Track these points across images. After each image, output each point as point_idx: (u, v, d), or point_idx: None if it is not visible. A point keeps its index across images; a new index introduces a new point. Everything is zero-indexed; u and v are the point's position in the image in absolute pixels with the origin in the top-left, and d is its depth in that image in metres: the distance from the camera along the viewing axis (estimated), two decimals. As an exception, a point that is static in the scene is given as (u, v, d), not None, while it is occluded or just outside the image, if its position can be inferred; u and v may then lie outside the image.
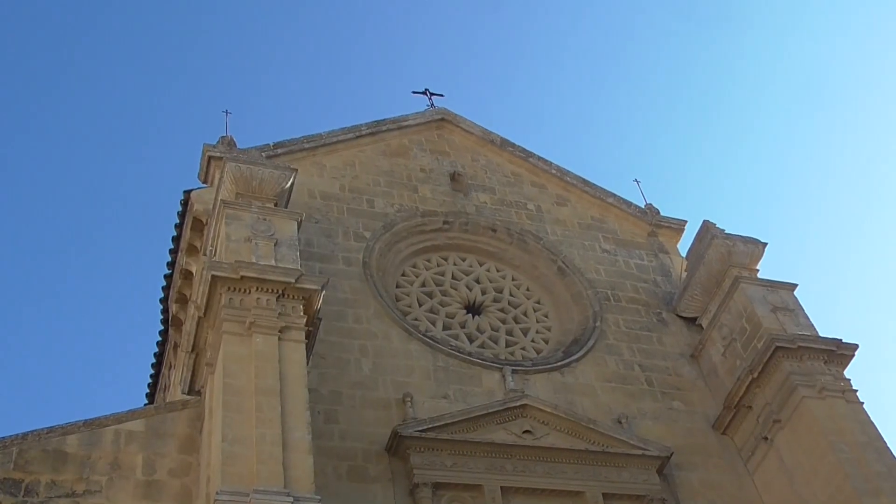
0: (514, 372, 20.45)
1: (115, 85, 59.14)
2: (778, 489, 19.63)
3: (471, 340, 21.77)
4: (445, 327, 21.89)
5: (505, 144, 27.14)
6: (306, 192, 22.90)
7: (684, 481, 19.77)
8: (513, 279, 23.85)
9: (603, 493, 18.59)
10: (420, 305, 22.18)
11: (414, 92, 28.48)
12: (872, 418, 19.47)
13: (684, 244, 25.76)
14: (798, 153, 58.78)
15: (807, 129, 58.51)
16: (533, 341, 22.38)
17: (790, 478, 19.39)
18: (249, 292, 16.91)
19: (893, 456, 18.76)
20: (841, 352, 20.40)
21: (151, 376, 25.77)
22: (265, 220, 18.50)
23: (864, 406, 19.67)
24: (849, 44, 57.42)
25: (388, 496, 17.39)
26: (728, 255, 22.59)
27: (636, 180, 28.17)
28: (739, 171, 59.86)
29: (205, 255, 20.15)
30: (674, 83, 61.58)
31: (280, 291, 17.06)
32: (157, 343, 24.58)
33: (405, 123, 26.48)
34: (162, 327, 23.96)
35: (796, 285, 22.25)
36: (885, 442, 19.00)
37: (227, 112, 24.29)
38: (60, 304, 55.76)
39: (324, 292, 17.58)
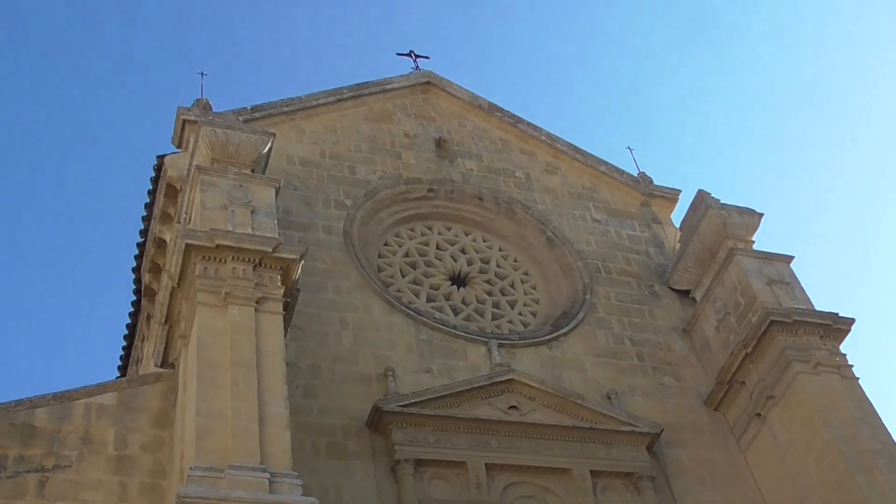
0: (500, 346, 20.61)
1: (86, 44, 58.90)
2: (770, 466, 19.89)
3: (455, 313, 21.90)
4: (429, 299, 22.01)
5: (493, 109, 27.17)
6: (285, 157, 22.93)
7: (674, 459, 20.01)
8: (500, 250, 23.97)
9: (591, 471, 18.79)
10: (403, 276, 22.29)
11: (398, 54, 28.54)
12: (868, 394, 19.73)
13: (678, 214, 25.91)
14: (796, 122, 58.96)
15: (804, 97, 58.65)
16: (520, 314, 22.52)
17: (783, 455, 19.64)
18: (225, 262, 16.96)
19: (888, 433, 19.00)
20: (837, 326, 20.60)
21: (124, 349, 25.80)
22: (242, 186, 18.50)
23: (860, 382, 19.92)
24: (851, 5, 57.43)
25: (368, 473, 17.54)
26: (723, 226, 22.72)
27: (629, 148, 28.17)
28: (736, 139, 60.00)
29: (179, 222, 20.20)
30: (668, 47, 61.62)
31: (257, 261, 17.10)
32: (130, 314, 24.62)
33: (389, 87, 26.47)
34: (134, 298, 24.00)
35: (793, 258, 22.44)
36: (879, 418, 19.23)
37: (202, 74, 24.34)
38: (29, 274, 55.76)
39: (302, 262, 17.64)
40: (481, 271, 23.24)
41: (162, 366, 18.21)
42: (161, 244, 21.97)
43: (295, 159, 23.20)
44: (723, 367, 21.12)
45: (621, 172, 26.88)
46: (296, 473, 14.59)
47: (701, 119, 60.88)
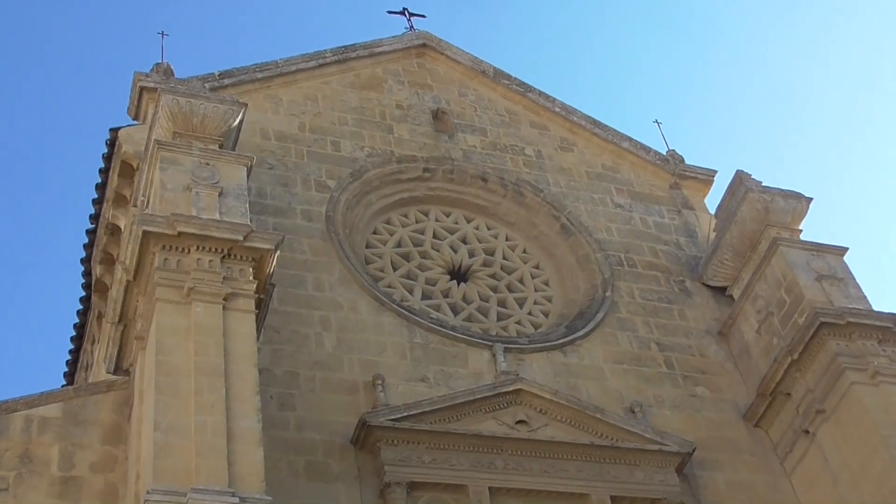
0: (506, 350, 20.57)
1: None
2: (820, 492, 19.84)
3: (455, 312, 21.90)
4: (425, 296, 22.01)
5: (499, 76, 27.22)
6: (258, 131, 22.98)
7: (708, 482, 19.98)
8: (507, 239, 24.00)
9: (611, 496, 18.80)
10: (395, 270, 22.29)
11: (390, 12, 28.59)
12: (935, 409, 19.69)
13: (713, 199, 25.96)
14: (849, 95, 58.79)
15: (853, 67, 58.48)
16: (530, 314, 22.51)
17: (835, 479, 19.59)
18: (188, 252, 16.96)
19: (959, 454, 18.99)
20: (898, 329, 20.57)
21: (71, 352, 25.85)
22: (208, 164, 18.53)
23: (926, 395, 19.88)
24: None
25: (353, 497, 17.50)
26: (765, 213, 22.70)
27: (656, 121, 28.33)
28: (780, 112, 59.92)
29: (135, 206, 20.18)
30: (700, 7, 61.49)
31: (225, 251, 17.11)
32: (78, 312, 24.64)
33: (379, 50, 26.55)
34: (83, 293, 23.99)
35: (846, 249, 22.42)
36: (949, 437, 19.22)
37: (162, 34, 24.33)
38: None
39: (278, 253, 17.64)
40: (485, 264, 23.25)
41: (115, 372, 18.20)
42: (114, 231, 21.95)
43: (270, 133, 23.24)
44: (765, 376, 21.09)
45: (647, 150, 26.92)
46: (269, 498, 14.54)
47: (739, 89, 60.77)
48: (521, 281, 23.21)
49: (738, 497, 19.98)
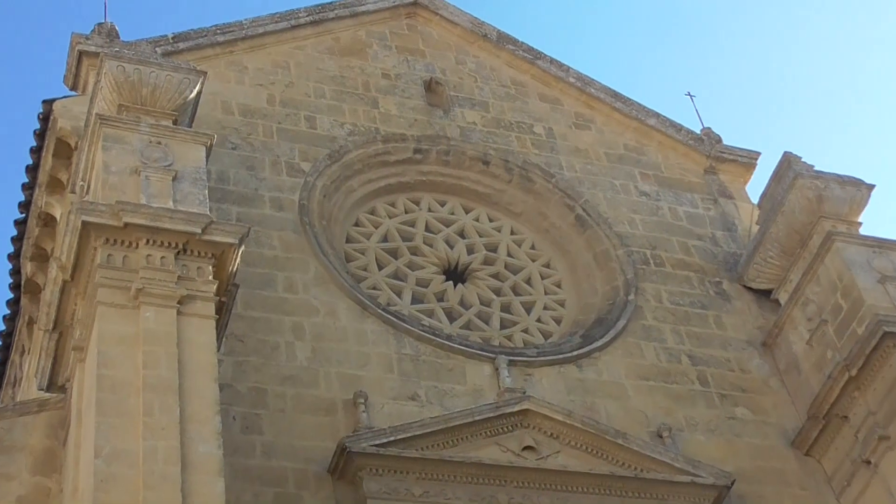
0: (511, 364, 20.59)
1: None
2: (883, 532, 19.86)
3: (451, 319, 21.96)
4: (416, 300, 22.05)
5: (503, 41, 27.31)
6: (220, 104, 23.06)
7: (750, 520, 19.98)
8: (512, 233, 24.07)
9: (635, 536, 18.88)
10: (380, 268, 22.33)
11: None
12: None
13: (756, 186, 26.07)
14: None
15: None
16: (539, 321, 22.56)
17: (902, 517, 19.60)
18: (136, 246, 16.89)
19: None
20: (977, 341, 20.55)
21: (-5, 365, 25.78)
22: (160, 143, 18.46)
23: None
24: None
25: (330, 536, 17.57)
26: (818, 202, 22.69)
27: (689, 94, 28.37)
28: (834, 83, 59.88)
29: (73, 192, 20.18)
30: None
31: (180, 246, 17.04)
32: (4, 318, 24.62)
33: (361, 8, 26.65)
34: (11, 296, 23.96)
35: (914, 245, 22.41)
36: None
37: (106, -12, 24.27)
38: None
39: (243, 248, 17.59)
40: (486, 262, 23.31)
41: (48, 389, 18.13)
42: (49, 222, 22.01)
43: (233, 107, 23.29)
44: (817, 395, 21.11)
45: (678, 128, 27.02)
46: (231, 537, 14.53)
47: (787, 56, 60.77)
48: (528, 282, 23.26)
49: (785, 537, 20.07)
